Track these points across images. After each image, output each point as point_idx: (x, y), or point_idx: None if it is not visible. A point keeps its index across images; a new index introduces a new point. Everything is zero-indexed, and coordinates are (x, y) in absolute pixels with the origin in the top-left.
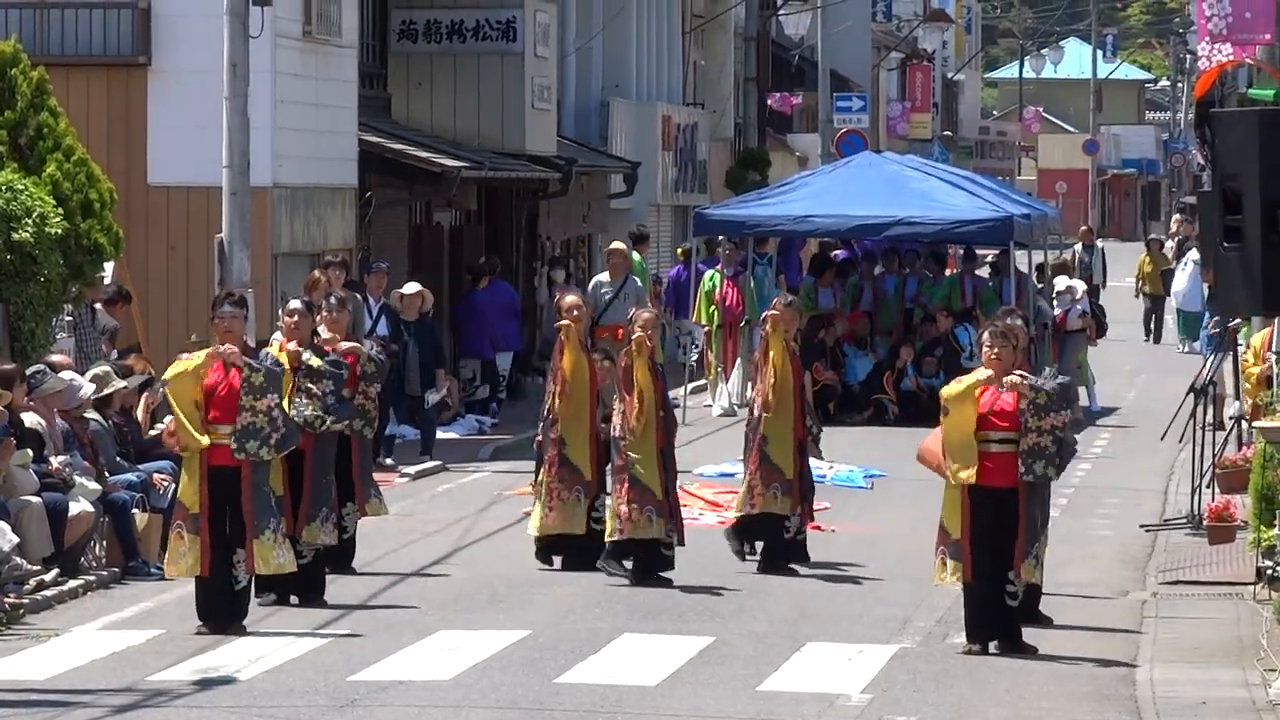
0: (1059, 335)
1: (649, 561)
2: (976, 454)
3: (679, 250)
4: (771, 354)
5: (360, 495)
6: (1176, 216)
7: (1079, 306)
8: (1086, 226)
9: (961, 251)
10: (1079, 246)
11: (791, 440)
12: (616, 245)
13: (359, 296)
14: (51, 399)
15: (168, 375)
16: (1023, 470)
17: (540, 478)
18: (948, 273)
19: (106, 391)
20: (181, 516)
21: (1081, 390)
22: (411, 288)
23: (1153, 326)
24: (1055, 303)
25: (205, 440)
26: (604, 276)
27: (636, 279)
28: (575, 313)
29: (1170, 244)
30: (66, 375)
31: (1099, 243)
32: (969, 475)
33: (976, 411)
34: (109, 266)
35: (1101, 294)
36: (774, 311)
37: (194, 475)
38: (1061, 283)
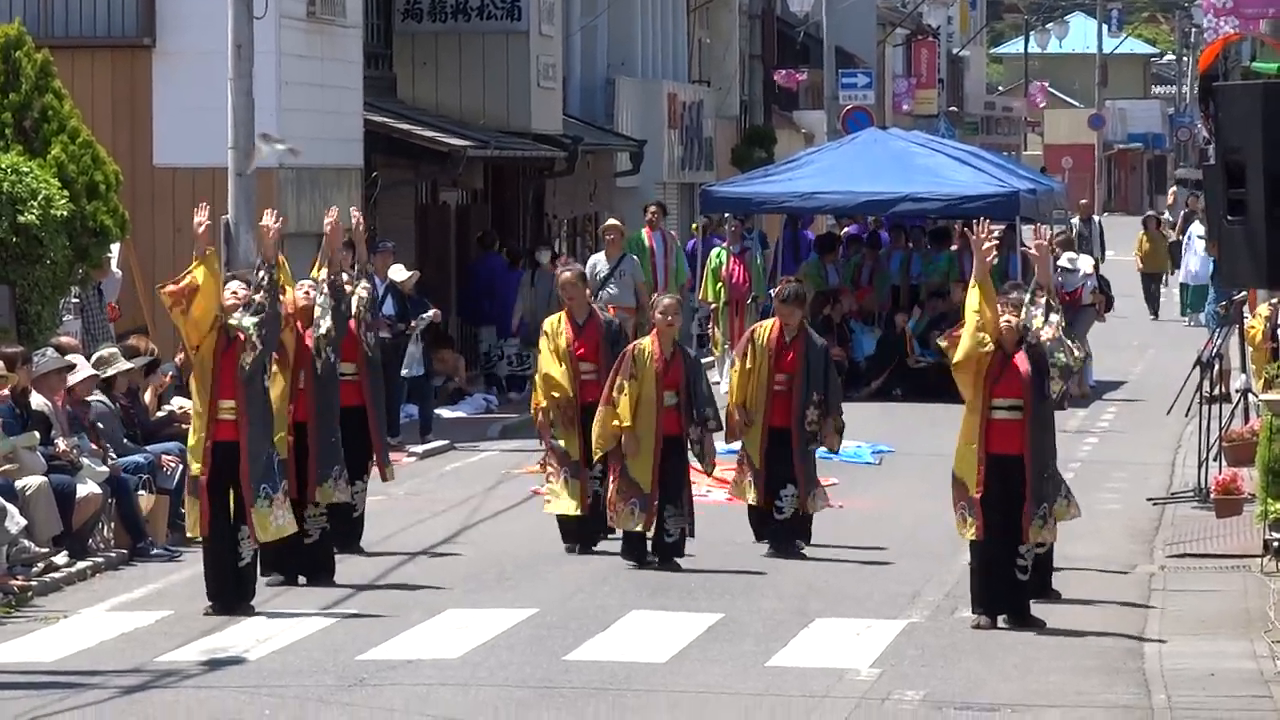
0: (1070, 310)
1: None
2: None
3: (694, 226)
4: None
5: (380, 461)
6: (1173, 189)
7: (1091, 281)
8: (1084, 200)
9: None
10: (1076, 220)
11: (761, 429)
12: (612, 222)
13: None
14: (53, 379)
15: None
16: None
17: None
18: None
19: (111, 373)
20: (188, 481)
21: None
22: (399, 274)
23: (1151, 303)
24: (1062, 279)
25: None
26: (600, 256)
27: (634, 256)
28: (579, 285)
29: (1167, 216)
30: (71, 357)
31: (1096, 217)
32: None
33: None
34: (115, 248)
35: (1100, 268)
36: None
37: (199, 444)
38: (1068, 258)
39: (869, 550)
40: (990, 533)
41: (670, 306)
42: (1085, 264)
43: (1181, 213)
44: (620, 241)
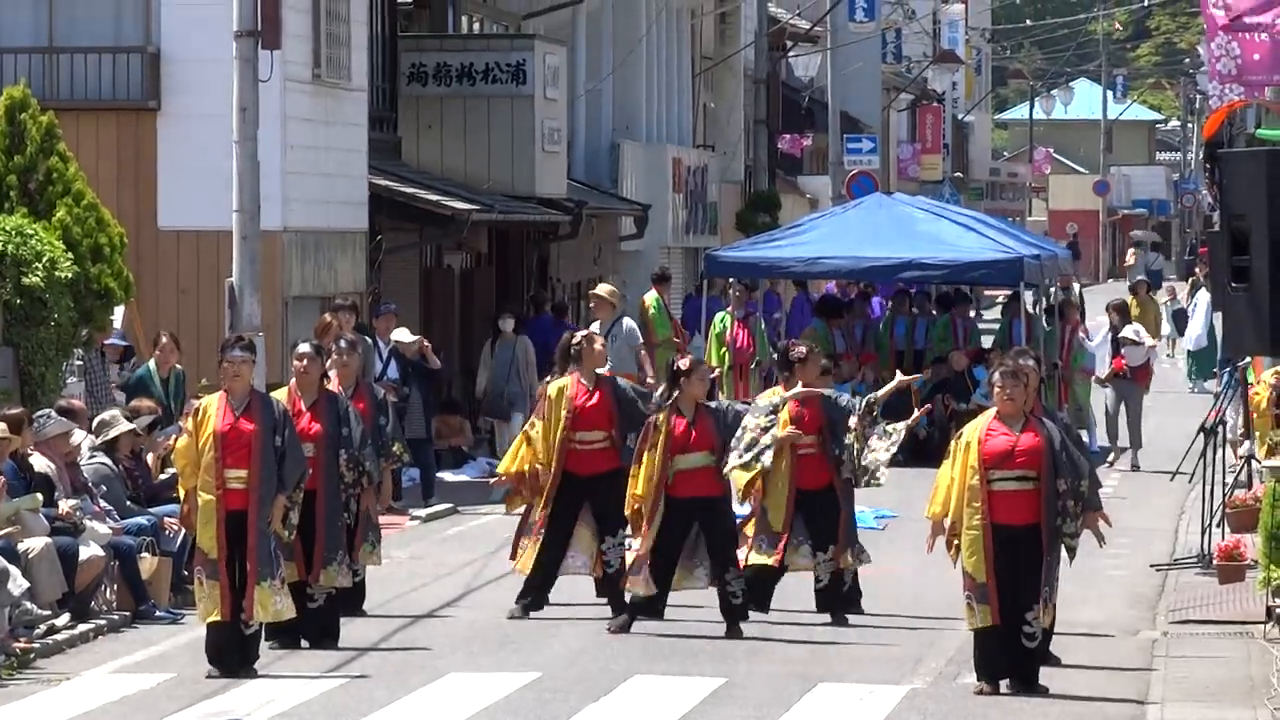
0: (1131, 386)
1: None
2: (980, 494)
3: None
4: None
5: (359, 539)
6: (1132, 250)
7: (1154, 355)
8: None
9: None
10: (1055, 289)
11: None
12: (600, 289)
13: (369, 340)
14: (57, 443)
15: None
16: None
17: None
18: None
19: (113, 434)
20: (201, 562)
21: (1083, 433)
22: (404, 336)
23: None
24: (1125, 353)
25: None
26: (594, 327)
27: (626, 320)
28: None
29: (1143, 278)
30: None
31: (1076, 284)
32: (934, 514)
33: (980, 456)
34: (119, 311)
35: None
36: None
37: (210, 521)
38: (1133, 331)
39: (871, 615)
40: (1005, 610)
41: (692, 367)
42: (1146, 335)
43: (1189, 280)
44: (609, 309)
